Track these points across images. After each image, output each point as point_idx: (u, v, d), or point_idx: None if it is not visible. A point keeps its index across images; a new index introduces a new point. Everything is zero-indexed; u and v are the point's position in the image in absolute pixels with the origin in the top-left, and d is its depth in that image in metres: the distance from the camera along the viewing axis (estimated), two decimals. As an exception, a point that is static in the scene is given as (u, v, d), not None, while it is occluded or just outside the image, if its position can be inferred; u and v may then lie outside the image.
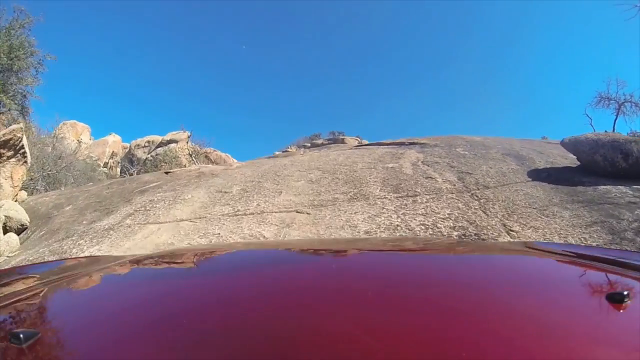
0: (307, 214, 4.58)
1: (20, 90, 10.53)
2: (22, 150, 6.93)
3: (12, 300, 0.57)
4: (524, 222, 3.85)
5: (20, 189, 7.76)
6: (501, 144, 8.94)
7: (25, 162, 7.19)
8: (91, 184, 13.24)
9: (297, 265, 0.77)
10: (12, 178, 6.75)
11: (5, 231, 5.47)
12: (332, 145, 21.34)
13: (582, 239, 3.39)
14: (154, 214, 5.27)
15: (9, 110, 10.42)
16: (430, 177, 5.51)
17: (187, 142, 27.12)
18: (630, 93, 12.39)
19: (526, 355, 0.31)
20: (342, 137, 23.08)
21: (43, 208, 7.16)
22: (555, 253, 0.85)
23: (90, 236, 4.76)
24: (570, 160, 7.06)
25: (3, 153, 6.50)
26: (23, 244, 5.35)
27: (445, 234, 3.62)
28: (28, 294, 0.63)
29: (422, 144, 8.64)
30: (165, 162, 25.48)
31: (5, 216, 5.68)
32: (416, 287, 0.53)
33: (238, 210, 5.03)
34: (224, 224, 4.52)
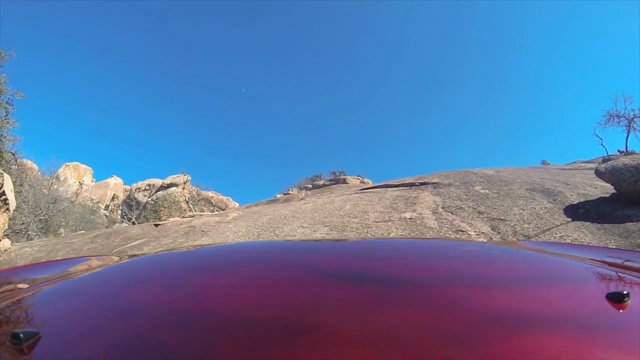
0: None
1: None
2: (4, 197, 6.19)
3: (12, 300, 0.59)
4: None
5: (3, 237, 6.93)
6: (518, 176, 8.31)
7: (7, 209, 6.44)
8: (82, 231, 12.31)
9: (301, 261, 0.75)
10: (-10, 226, 5.96)
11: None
12: (334, 186, 20.81)
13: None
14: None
15: None
16: (461, 230, 4.72)
17: (183, 188, 26.75)
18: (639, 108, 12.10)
19: (526, 354, 0.31)
20: (344, 177, 22.60)
21: (21, 262, 6.38)
22: (555, 253, 0.86)
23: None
24: (601, 188, 6.40)
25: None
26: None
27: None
28: (28, 294, 0.64)
29: (434, 183, 7.98)
30: (165, 207, 25.10)
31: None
32: (416, 282, 0.52)
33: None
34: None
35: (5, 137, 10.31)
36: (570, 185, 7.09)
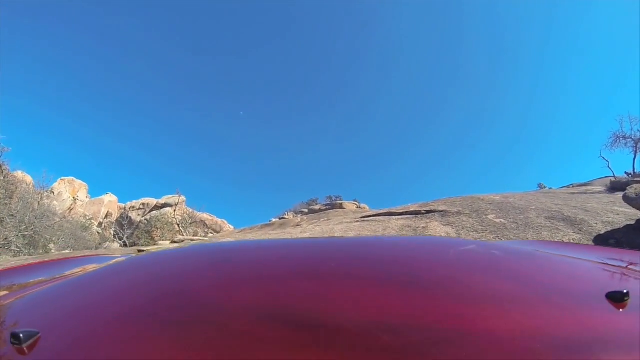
0: None
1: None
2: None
3: (12, 300, 0.61)
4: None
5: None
6: (530, 202, 7.79)
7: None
8: (66, 251, 11.44)
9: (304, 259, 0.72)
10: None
11: None
12: (331, 211, 20.12)
13: None
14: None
15: None
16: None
17: (174, 210, 26.02)
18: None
19: (526, 354, 0.31)
20: (340, 202, 21.94)
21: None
22: (555, 252, 0.86)
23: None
24: (623, 215, 6.06)
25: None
26: None
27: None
28: (28, 294, 0.65)
29: (442, 211, 7.38)
30: (157, 228, 24.64)
31: None
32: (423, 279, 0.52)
33: None
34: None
35: None
36: (591, 212, 6.57)
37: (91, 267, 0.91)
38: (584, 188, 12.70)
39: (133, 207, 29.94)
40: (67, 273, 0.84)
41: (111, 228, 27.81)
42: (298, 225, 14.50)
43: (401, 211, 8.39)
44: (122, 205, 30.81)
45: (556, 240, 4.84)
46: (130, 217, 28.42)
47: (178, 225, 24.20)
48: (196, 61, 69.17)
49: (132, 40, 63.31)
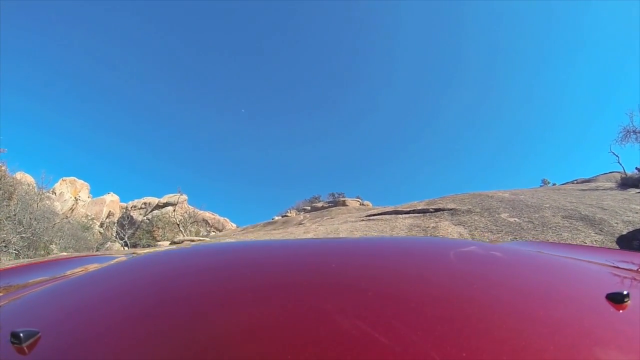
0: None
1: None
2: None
3: (11, 300, 0.59)
4: None
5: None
6: (542, 200, 7.49)
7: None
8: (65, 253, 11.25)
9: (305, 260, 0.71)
10: None
11: None
12: (333, 208, 19.83)
13: None
14: None
15: None
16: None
17: (174, 210, 25.88)
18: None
19: (526, 354, 0.31)
20: (343, 199, 21.68)
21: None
22: (555, 253, 0.86)
23: None
24: None
25: None
26: None
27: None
28: (28, 293, 0.64)
29: (451, 209, 7.10)
30: (159, 228, 24.61)
31: None
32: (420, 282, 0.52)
33: None
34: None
35: None
36: (608, 210, 6.27)
37: (92, 267, 0.91)
38: (593, 184, 12.37)
39: (135, 207, 29.93)
40: (68, 273, 0.85)
41: (113, 228, 27.82)
42: (301, 224, 14.23)
43: (408, 209, 8.11)
44: (124, 204, 30.81)
45: (578, 242, 4.56)
46: (132, 217, 28.38)
47: (178, 225, 24.07)
48: (198, 59, 68.73)
49: (134, 39, 62.90)
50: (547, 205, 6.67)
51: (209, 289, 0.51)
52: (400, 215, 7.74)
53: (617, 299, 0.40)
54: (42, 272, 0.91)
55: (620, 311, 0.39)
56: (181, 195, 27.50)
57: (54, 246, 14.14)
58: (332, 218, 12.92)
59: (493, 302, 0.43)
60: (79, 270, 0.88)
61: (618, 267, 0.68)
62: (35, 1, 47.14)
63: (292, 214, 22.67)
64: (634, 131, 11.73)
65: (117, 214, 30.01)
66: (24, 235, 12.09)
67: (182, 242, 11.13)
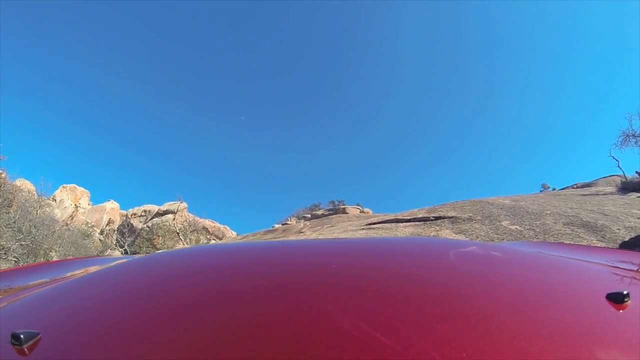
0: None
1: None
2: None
3: (12, 301, 0.59)
4: None
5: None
6: (543, 206, 7.45)
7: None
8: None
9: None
10: None
11: None
12: (334, 216, 19.77)
13: None
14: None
15: None
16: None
17: (174, 218, 25.78)
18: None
19: (527, 355, 0.31)
20: (343, 206, 21.62)
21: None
22: (555, 253, 0.85)
23: None
24: None
25: None
26: None
27: None
28: (28, 294, 0.64)
29: (452, 217, 7.06)
30: (159, 236, 24.58)
31: None
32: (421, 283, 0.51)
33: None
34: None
35: None
36: (610, 216, 6.23)
37: (93, 269, 0.91)
38: (593, 189, 12.35)
39: (135, 214, 29.76)
40: (68, 274, 0.85)
41: (113, 235, 27.70)
42: (301, 233, 14.16)
43: (408, 217, 8.07)
44: (124, 212, 30.62)
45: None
46: (132, 224, 28.23)
47: (177, 233, 23.97)
48: (199, 66, 69.46)
49: (136, 45, 63.66)
50: (548, 212, 6.64)
51: (209, 290, 0.51)
52: (400, 224, 7.70)
53: (617, 299, 0.40)
54: (43, 274, 0.90)
55: (620, 311, 0.39)
56: (181, 203, 27.47)
57: (54, 253, 14.07)
58: (332, 226, 12.86)
59: (493, 302, 0.43)
60: (80, 272, 0.87)
61: (618, 267, 0.68)
62: (37, 2, 47.87)
63: (293, 221, 22.58)
64: (633, 135, 11.74)
65: (117, 222, 29.89)
66: (23, 242, 12.03)
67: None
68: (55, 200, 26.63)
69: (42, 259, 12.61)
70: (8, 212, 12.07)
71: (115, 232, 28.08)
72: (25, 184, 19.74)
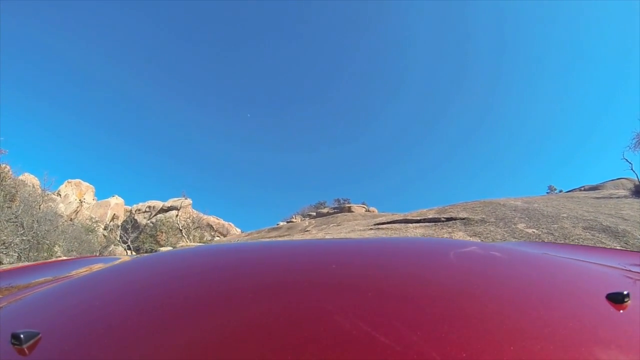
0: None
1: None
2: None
3: (12, 301, 0.59)
4: None
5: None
6: (558, 209, 7.24)
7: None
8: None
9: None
10: None
11: None
12: (339, 214, 19.59)
13: None
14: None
15: None
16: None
17: (177, 215, 25.79)
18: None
19: (527, 354, 0.31)
20: (349, 205, 21.45)
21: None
22: (555, 253, 0.85)
23: None
24: None
25: None
26: None
27: None
28: (28, 294, 0.64)
29: (463, 219, 6.87)
30: (163, 232, 24.52)
31: None
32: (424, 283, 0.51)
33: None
34: None
35: None
36: (630, 221, 6.01)
37: (95, 268, 0.90)
38: (605, 192, 12.06)
39: (139, 210, 29.73)
40: (69, 274, 0.85)
41: (117, 231, 27.76)
42: (306, 231, 14.01)
43: (418, 217, 7.88)
44: (129, 207, 30.60)
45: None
46: (136, 220, 28.23)
47: (181, 230, 23.96)
48: (205, 63, 69.38)
49: (140, 42, 63.67)
50: (565, 215, 6.43)
51: (211, 289, 0.51)
52: (410, 225, 7.52)
53: (617, 299, 0.40)
54: (45, 273, 0.90)
55: (621, 311, 0.39)
56: (185, 199, 27.45)
57: (58, 248, 14.07)
58: (338, 225, 12.70)
59: (494, 302, 0.42)
60: (82, 271, 0.86)
61: (618, 267, 0.68)
62: (42, 1, 48.00)
63: (297, 219, 22.46)
64: (646, 137, 11.44)
65: (122, 217, 29.86)
66: (24, 237, 11.99)
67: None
68: (60, 195, 26.73)
69: (45, 254, 12.63)
70: (10, 207, 12.04)
71: (119, 227, 28.15)
72: (29, 179, 19.80)
